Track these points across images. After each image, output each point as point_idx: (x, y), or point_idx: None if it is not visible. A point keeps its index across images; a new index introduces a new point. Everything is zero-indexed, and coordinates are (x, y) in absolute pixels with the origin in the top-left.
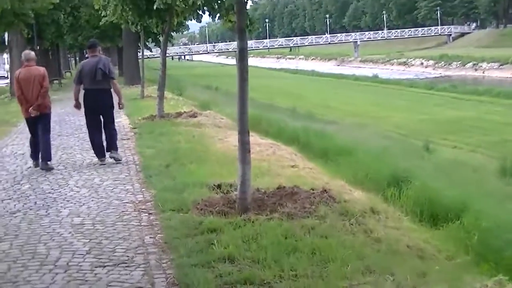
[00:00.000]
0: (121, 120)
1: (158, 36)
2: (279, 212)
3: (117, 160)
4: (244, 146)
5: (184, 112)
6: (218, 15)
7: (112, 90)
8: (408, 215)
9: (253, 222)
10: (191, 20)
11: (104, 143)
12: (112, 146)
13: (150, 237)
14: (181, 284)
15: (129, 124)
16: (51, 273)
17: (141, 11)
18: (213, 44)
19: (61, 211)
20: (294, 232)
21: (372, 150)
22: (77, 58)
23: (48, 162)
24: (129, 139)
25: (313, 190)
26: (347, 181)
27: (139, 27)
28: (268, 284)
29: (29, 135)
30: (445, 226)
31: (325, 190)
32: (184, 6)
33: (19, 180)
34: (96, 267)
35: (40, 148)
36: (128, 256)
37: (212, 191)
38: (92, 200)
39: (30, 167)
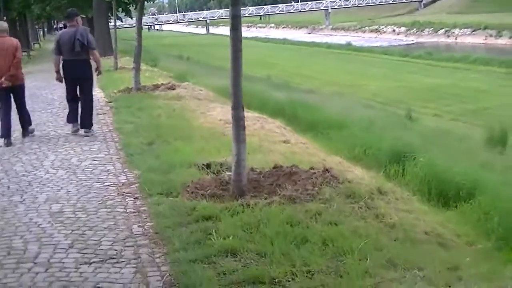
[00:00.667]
0: (95, 93)
1: (128, 6)
2: (279, 195)
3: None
4: (239, 123)
5: (162, 84)
6: None
7: (91, 60)
8: (415, 195)
9: (252, 207)
10: None
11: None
12: (86, 123)
13: (139, 226)
14: (180, 284)
15: (104, 97)
16: (31, 272)
17: None
18: (183, 13)
19: (37, 197)
20: (299, 218)
21: (361, 122)
22: (45, 29)
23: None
24: (105, 113)
25: (313, 169)
26: (344, 157)
27: None
28: (280, 283)
29: None
30: (458, 207)
31: (326, 170)
32: None
33: None
34: (81, 264)
35: (19, 119)
36: (116, 250)
37: (201, 172)
38: (71, 183)
39: (0, 146)
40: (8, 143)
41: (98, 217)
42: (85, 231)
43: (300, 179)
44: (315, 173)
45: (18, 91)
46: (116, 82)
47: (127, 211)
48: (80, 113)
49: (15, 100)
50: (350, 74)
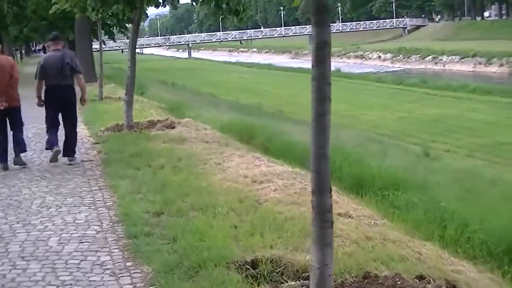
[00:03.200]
0: (79, 130)
1: (112, 28)
2: None
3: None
4: (323, 217)
5: (158, 120)
6: None
7: (75, 86)
8: None
9: None
10: (164, 6)
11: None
12: (71, 151)
13: None
14: None
15: (90, 136)
16: None
17: None
18: (166, 37)
19: None
20: None
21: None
22: (23, 51)
23: (21, 154)
24: (92, 161)
25: (424, 279)
26: (435, 242)
27: (99, 15)
28: None
29: None
30: None
31: (450, 283)
32: None
33: None
34: None
35: (13, 143)
36: None
37: (245, 275)
38: None
39: None
40: (5, 168)
41: None
42: None
43: None
44: None
45: (14, 113)
46: (102, 116)
47: None
48: (64, 143)
49: (10, 123)
50: (345, 102)
